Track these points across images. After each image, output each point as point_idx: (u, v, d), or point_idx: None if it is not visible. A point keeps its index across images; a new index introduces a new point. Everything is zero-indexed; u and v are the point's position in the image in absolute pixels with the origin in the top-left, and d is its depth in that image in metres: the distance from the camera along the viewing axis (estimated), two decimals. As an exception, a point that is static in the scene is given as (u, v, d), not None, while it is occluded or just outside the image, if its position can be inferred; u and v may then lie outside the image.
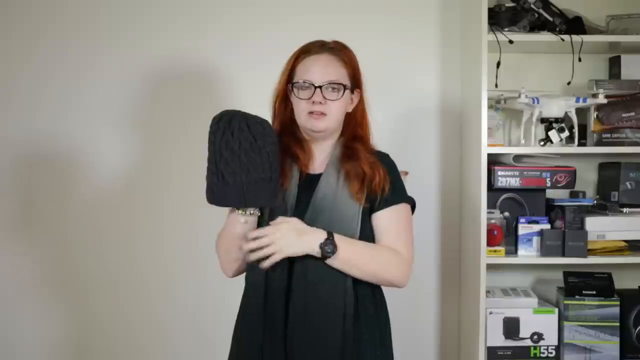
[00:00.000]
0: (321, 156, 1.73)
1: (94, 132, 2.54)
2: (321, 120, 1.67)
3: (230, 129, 1.57)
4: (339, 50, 1.71)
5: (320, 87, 1.65)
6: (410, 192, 1.76)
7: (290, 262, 1.62)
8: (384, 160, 1.72)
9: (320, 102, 1.65)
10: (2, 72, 2.53)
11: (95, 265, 2.55)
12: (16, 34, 2.52)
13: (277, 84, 1.75)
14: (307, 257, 1.60)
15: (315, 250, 1.58)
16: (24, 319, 2.55)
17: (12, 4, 2.52)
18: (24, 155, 2.53)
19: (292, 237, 1.57)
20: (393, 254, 1.65)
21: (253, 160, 1.55)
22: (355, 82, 1.73)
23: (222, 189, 1.56)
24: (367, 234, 1.67)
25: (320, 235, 1.58)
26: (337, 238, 1.59)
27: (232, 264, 1.72)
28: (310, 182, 1.69)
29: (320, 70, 1.67)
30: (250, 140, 1.56)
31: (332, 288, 1.61)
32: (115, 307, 2.56)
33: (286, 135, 1.73)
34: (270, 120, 1.74)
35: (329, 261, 1.59)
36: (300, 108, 1.69)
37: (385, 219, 1.68)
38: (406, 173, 1.80)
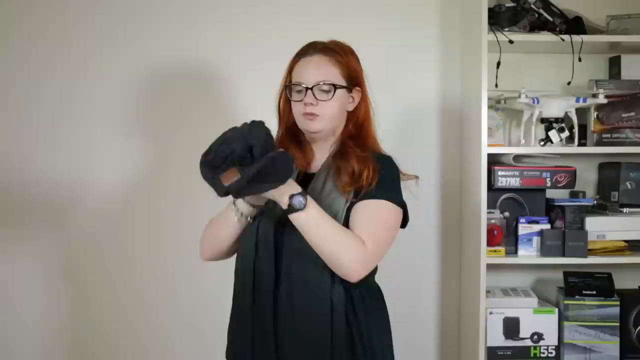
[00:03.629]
0: (322, 156, 1.73)
1: (93, 132, 2.53)
2: (315, 122, 1.67)
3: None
4: (332, 50, 1.70)
5: (311, 88, 1.66)
6: (410, 191, 1.73)
7: (276, 258, 1.61)
8: (382, 160, 1.69)
9: (312, 104, 1.66)
10: (1, 72, 2.53)
11: (96, 266, 2.55)
12: (15, 34, 2.52)
13: (280, 87, 1.75)
14: (292, 251, 1.59)
15: (284, 201, 1.53)
16: (24, 319, 2.55)
17: (12, 4, 2.52)
18: (23, 155, 2.53)
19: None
20: (356, 241, 1.57)
21: None
22: (353, 81, 1.72)
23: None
24: None
25: (294, 188, 1.54)
26: (310, 200, 1.54)
27: (213, 247, 1.73)
28: (307, 180, 1.69)
29: (311, 71, 1.67)
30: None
31: (317, 285, 1.59)
32: (115, 307, 2.56)
33: (288, 137, 1.75)
34: (277, 123, 1.77)
35: (291, 216, 1.54)
36: (296, 110, 1.70)
37: (360, 209, 1.62)
38: (416, 177, 1.76)
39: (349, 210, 1.63)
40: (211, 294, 2.51)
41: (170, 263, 2.56)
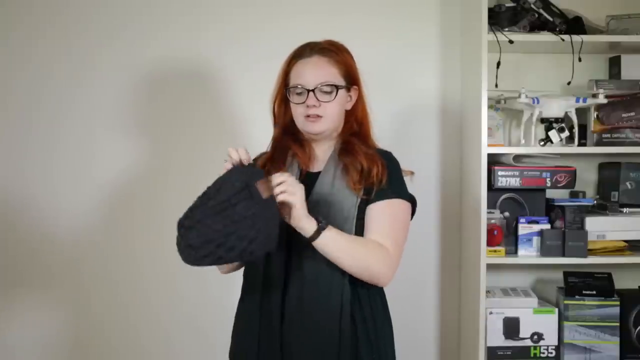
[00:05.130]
0: (322, 155, 1.74)
1: (93, 131, 2.54)
2: (318, 124, 1.68)
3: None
4: (330, 50, 1.71)
5: (313, 90, 1.66)
6: (409, 188, 1.73)
7: (286, 257, 1.62)
8: (385, 156, 1.71)
9: (315, 105, 1.66)
10: (3, 72, 2.53)
11: (95, 265, 2.55)
12: (15, 34, 2.52)
13: (274, 89, 1.75)
14: (303, 252, 1.60)
15: (312, 224, 1.54)
16: (24, 319, 2.55)
17: (12, 4, 2.52)
18: (24, 155, 2.53)
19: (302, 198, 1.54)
20: (378, 248, 1.61)
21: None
22: (351, 80, 1.73)
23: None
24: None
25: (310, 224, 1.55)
26: (328, 228, 1.55)
27: (224, 268, 1.77)
28: (310, 180, 1.69)
29: (311, 73, 1.67)
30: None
31: (328, 284, 1.60)
32: (115, 307, 2.56)
33: (287, 136, 1.74)
34: (272, 124, 1.77)
35: (317, 240, 1.54)
36: (297, 112, 1.69)
37: (377, 211, 1.64)
38: (412, 173, 1.78)
39: (359, 207, 1.64)
40: (211, 294, 2.52)
41: (170, 263, 2.54)
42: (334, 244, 1.56)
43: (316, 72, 1.67)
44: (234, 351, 1.74)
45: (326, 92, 1.67)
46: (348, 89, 1.72)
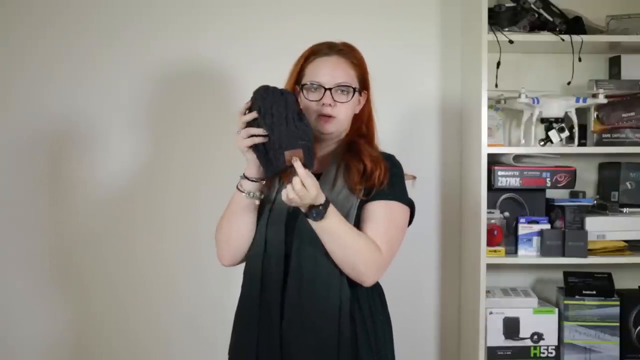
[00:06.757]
0: (323, 154, 1.73)
1: (95, 131, 2.53)
2: (330, 124, 1.67)
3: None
4: (348, 52, 1.71)
5: (330, 89, 1.65)
6: (410, 192, 1.74)
7: (285, 255, 1.62)
8: (389, 159, 1.71)
9: (330, 105, 1.65)
10: (3, 72, 2.53)
11: (96, 265, 2.55)
12: (15, 34, 2.52)
13: (285, 85, 1.74)
14: (302, 250, 1.60)
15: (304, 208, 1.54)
16: (24, 319, 2.55)
17: (12, 4, 2.52)
18: (24, 154, 2.53)
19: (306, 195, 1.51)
20: (374, 249, 1.60)
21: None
22: (364, 84, 1.73)
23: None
24: None
25: (319, 198, 1.53)
26: (331, 210, 1.55)
27: (232, 245, 1.70)
28: None
29: (330, 72, 1.67)
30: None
31: (326, 284, 1.60)
32: (115, 307, 2.56)
33: None
34: None
35: (311, 223, 1.55)
36: (310, 110, 1.68)
37: (374, 210, 1.64)
38: (414, 177, 1.78)
39: (359, 208, 1.64)
40: (211, 294, 2.52)
41: (170, 263, 2.56)
42: (330, 228, 1.54)
43: (335, 72, 1.67)
44: (233, 346, 1.74)
45: (343, 93, 1.67)
46: (360, 93, 1.72)
